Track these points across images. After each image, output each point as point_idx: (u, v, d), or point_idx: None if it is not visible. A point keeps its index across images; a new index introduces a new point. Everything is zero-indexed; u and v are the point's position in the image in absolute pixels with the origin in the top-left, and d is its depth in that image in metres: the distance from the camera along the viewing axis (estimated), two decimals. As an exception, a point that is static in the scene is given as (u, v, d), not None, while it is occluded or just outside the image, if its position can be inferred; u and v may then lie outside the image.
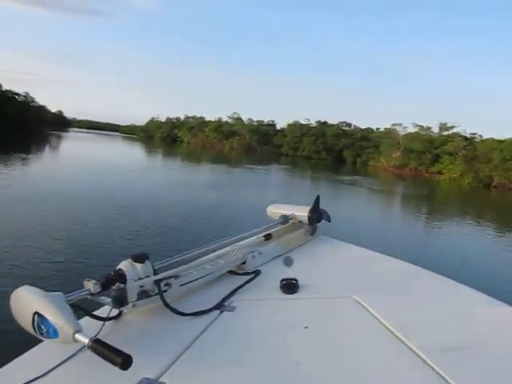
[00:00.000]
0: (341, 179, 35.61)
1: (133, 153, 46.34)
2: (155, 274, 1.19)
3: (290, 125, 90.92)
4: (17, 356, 0.96)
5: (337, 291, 1.47)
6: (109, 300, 1.07)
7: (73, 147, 45.96)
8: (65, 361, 0.92)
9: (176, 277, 1.28)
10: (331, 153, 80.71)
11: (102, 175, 18.26)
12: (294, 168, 48.51)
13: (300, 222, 2.10)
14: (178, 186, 17.86)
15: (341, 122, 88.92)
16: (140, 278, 1.14)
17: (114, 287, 1.06)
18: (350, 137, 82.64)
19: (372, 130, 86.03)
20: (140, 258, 1.16)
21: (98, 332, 0.97)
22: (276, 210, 2.17)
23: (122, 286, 1.07)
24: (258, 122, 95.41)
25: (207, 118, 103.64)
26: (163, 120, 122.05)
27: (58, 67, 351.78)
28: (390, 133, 71.56)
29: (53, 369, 0.90)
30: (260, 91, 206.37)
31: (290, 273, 1.50)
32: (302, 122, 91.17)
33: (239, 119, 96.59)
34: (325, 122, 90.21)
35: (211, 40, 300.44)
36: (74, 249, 6.84)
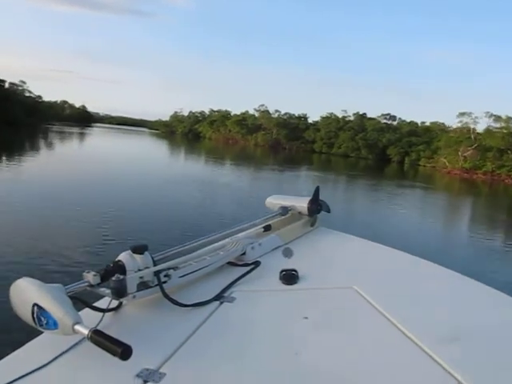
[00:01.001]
0: (400, 186, 27.10)
1: (135, 150, 38.78)
2: (155, 266, 1.19)
3: (323, 117, 78.57)
4: (17, 348, 0.97)
5: (337, 282, 1.46)
6: (108, 291, 1.08)
7: (64, 144, 39.89)
8: (65, 352, 0.93)
9: (175, 268, 1.28)
10: (373, 150, 67.87)
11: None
12: (329, 169, 39.96)
13: (299, 213, 2.08)
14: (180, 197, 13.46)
15: (383, 115, 75.62)
16: (139, 270, 1.15)
17: (113, 278, 1.06)
18: (396, 131, 69.38)
19: (416, 124, 72.35)
20: (139, 250, 1.16)
21: (98, 323, 0.97)
22: (275, 202, 2.14)
23: (122, 277, 1.07)
24: (286, 114, 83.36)
25: (233, 113, 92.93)
26: (186, 114, 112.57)
27: (98, 65, 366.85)
28: (444, 127, 57.43)
29: (53, 360, 0.90)
30: (293, 87, 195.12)
31: (289, 264, 1.50)
32: (338, 114, 78.56)
33: (266, 112, 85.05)
34: (364, 115, 77.19)
35: (243, 36, 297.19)
36: (77, 241, 6.79)
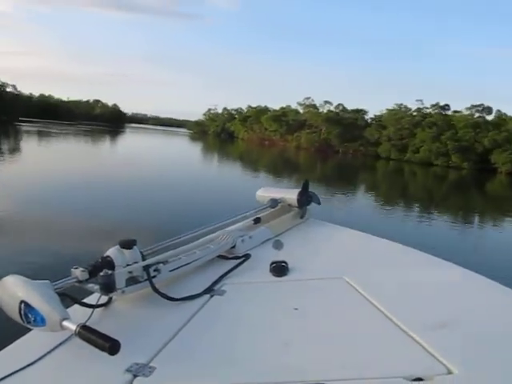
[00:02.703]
0: None
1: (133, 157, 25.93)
2: (144, 260, 1.19)
3: (390, 110, 57.35)
4: (5, 346, 0.96)
5: (326, 273, 1.47)
6: (97, 287, 1.07)
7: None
8: (54, 349, 0.93)
9: (165, 262, 1.28)
10: (469, 156, 46.10)
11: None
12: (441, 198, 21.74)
13: (289, 205, 2.06)
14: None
15: (474, 106, 53.13)
16: (128, 265, 1.14)
17: (101, 274, 1.06)
18: (499, 129, 47.05)
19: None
20: (128, 244, 1.16)
21: (88, 319, 0.98)
22: (265, 194, 2.12)
23: (110, 272, 1.07)
24: (340, 106, 62.84)
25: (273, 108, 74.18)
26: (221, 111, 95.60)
27: (147, 68, 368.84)
28: None
29: (42, 357, 0.90)
30: (342, 80, 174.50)
31: (279, 256, 1.50)
32: (410, 105, 57.07)
33: (312, 106, 65.32)
34: (446, 107, 55.17)
35: (286, 35, 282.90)
36: (65, 236, 6.53)
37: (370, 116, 61.58)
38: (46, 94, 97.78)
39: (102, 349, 0.82)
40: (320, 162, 42.95)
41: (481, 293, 1.36)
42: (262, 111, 73.82)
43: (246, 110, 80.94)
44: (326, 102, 63.49)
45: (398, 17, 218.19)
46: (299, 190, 2.06)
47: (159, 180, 14.70)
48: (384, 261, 1.65)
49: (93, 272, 1.07)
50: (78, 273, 1.06)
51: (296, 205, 2.04)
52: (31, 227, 7.01)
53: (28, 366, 0.87)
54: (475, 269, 1.50)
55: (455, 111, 54.92)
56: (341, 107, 62.37)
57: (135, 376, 0.84)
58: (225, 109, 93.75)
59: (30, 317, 0.90)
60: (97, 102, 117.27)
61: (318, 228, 2.03)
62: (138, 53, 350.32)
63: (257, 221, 1.85)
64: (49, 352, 0.91)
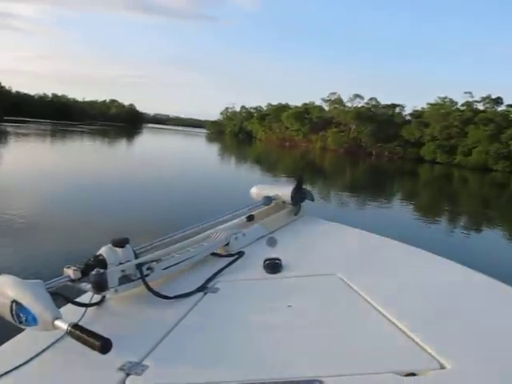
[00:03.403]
0: None
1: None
2: (136, 259, 1.19)
3: (433, 105, 48.62)
4: None
5: (320, 269, 1.45)
6: (89, 286, 1.06)
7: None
8: (46, 348, 0.92)
9: (158, 260, 1.27)
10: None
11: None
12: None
13: (283, 202, 2.05)
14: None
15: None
16: (121, 263, 1.14)
17: (93, 273, 1.05)
18: None
19: None
20: (120, 243, 1.15)
21: (80, 318, 0.97)
22: (259, 191, 2.10)
23: (102, 271, 1.06)
24: (372, 101, 54.44)
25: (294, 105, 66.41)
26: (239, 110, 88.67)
27: (169, 70, 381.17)
28: None
29: (34, 357, 0.89)
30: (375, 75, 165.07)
31: (273, 253, 1.49)
32: (457, 99, 48.16)
33: (338, 102, 57.21)
34: (499, 100, 46.12)
35: (305, 34, 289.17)
36: (61, 235, 6.30)
37: (407, 111, 53.00)
38: (59, 94, 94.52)
39: (93, 347, 0.82)
40: (350, 165, 36.03)
41: (475, 288, 1.35)
42: (281, 108, 66.22)
43: (265, 109, 73.48)
44: (357, 96, 55.34)
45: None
46: (293, 186, 2.03)
47: (166, 186, 12.53)
48: (378, 257, 1.63)
49: (85, 271, 1.06)
50: (71, 272, 1.05)
51: (290, 202, 2.02)
52: (25, 226, 6.66)
53: (20, 365, 0.86)
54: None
55: (509, 105, 45.86)
56: (373, 102, 54.04)
57: (128, 374, 0.83)
58: (243, 107, 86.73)
59: (21, 316, 0.90)
60: (113, 101, 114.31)
61: (312, 225, 2.01)
62: (161, 55, 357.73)
63: (250, 218, 1.82)
64: (41, 352, 0.90)
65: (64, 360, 0.90)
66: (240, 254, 1.53)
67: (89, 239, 5.40)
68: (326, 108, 59.22)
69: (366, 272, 1.43)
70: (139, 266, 1.17)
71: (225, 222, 1.71)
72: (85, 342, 0.83)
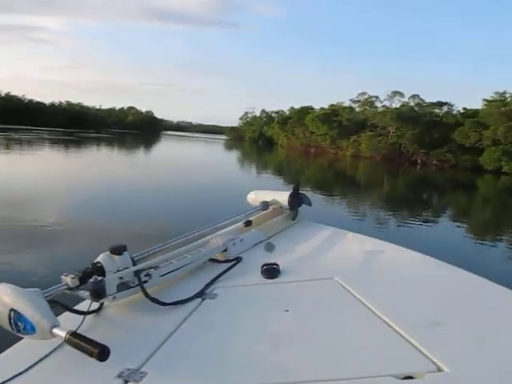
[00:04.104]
0: None
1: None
2: (134, 266, 1.20)
3: (490, 101, 39.86)
4: None
5: (318, 274, 1.46)
6: (87, 293, 1.07)
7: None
8: (45, 357, 0.92)
9: (156, 267, 1.27)
10: None
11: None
12: None
13: (281, 207, 2.06)
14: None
15: None
16: (119, 270, 1.15)
17: (91, 280, 1.06)
18: None
19: None
20: (118, 250, 1.16)
21: (79, 326, 0.97)
22: (256, 197, 2.11)
23: (100, 278, 1.07)
24: (414, 99, 45.89)
25: (319, 107, 58.75)
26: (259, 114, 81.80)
27: (192, 77, 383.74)
28: None
29: (33, 365, 0.90)
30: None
31: (271, 258, 1.49)
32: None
33: (368, 103, 49.40)
34: None
35: (326, 39, 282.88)
36: (56, 243, 6.16)
37: (459, 108, 44.36)
38: (75, 102, 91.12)
39: (91, 355, 0.82)
40: (390, 176, 28.93)
41: (472, 291, 1.34)
42: (305, 111, 58.59)
43: (287, 113, 66.03)
44: (396, 94, 46.88)
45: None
46: (290, 191, 2.03)
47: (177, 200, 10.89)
48: (375, 261, 1.64)
49: (83, 279, 1.07)
50: (69, 280, 1.06)
51: (287, 207, 2.02)
52: (24, 233, 6.55)
53: (19, 374, 0.87)
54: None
55: None
56: (416, 99, 45.53)
57: (126, 381, 0.84)
58: (263, 111, 79.56)
59: (19, 325, 0.90)
60: (130, 108, 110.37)
61: (309, 229, 2.01)
62: (183, 62, 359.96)
63: (248, 223, 1.81)
64: (40, 360, 0.91)
65: (63, 368, 0.90)
66: (238, 259, 1.54)
67: (89, 246, 5.32)
68: (358, 109, 51.27)
69: (364, 276, 1.43)
70: (137, 273, 1.17)
71: (222, 228, 1.70)
72: (83, 350, 0.83)
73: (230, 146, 59.27)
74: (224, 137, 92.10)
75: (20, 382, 0.85)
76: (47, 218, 7.47)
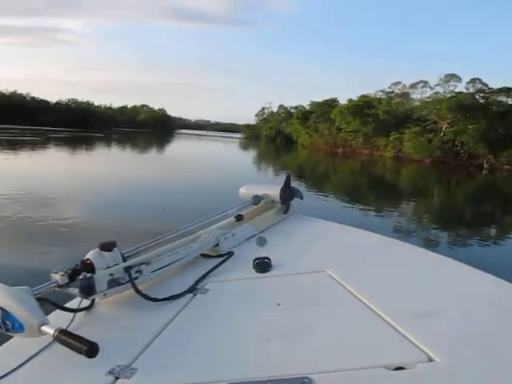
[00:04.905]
0: None
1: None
2: (125, 262, 1.19)
3: None
4: None
5: (310, 267, 1.46)
6: (77, 291, 1.06)
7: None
8: (35, 355, 0.92)
9: (147, 263, 1.27)
10: None
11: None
12: None
13: (272, 201, 2.05)
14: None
15: None
16: (109, 267, 1.14)
17: (80, 277, 1.05)
18: None
19: None
20: (107, 247, 1.15)
21: (69, 323, 0.97)
22: (248, 191, 2.10)
23: (89, 275, 1.06)
24: (474, 86, 35.77)
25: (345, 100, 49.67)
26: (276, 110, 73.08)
27: (209, 76, 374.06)
28: None
29: (23, 364, 0.89)
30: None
31: (263, 252, 1.50)
32: None
33: (403, 95, 40.42)
34: None
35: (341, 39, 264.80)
36: (43, 240, 6.05)
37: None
38: (83, 100, 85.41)
39: (80, 352, 0.82)
40: (447, 184, 21.44)
41: (464, 282, 1.35)
42: (329, 103, 49.52)
43: (308, 108, 56.91)
44: (451, 77, 36.68)
45: None
46: (282, 185, 2.01)
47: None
48: (367, 253, 1.63)
49: (73, 276, 1.06)
50: (58, 277, 1.05)
51: (279, 201, 2.02)
52: (15, 230, 6.54)
53: (9, 373, 0.86)
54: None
55: None
56: (478, 85, 35.46)
57: (117, 378, 0.84)
58: (281, 106, 70.71)
59: (7, 323, 0.89)
60: (142, 106, 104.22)
61: (301, 223, 2.00)
62: (200, 61, 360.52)
63: (240, 218, 1.81)
64: (30, 358, 0.90)
65: (53, 366, 0.90)
66: (230, 254, 1.53)
67: (82, 243, 5.24)
68: (396, 100, 41.81)
69: (355, 268, 1.43)
70: (128, 269, 1.17)
71: (214, 223, 1.69)
72: (71, 347, 0.83)
73: (245, 146, 53.42)
74: (240, 135, 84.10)
75: (10, 380, 0.85)
76: (37, 215, 7.32)
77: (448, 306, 1.14)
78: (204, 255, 1.51)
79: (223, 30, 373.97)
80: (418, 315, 1.06)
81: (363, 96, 44.78)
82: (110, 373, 0.84)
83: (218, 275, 1.37)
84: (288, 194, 2.02)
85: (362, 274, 1.37)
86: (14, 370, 0.86)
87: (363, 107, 41.24)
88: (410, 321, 1.02)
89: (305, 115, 53.19)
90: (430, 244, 7.95)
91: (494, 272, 1.34)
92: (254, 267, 1.39)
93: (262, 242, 1.60)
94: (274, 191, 2.01)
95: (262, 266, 1.40)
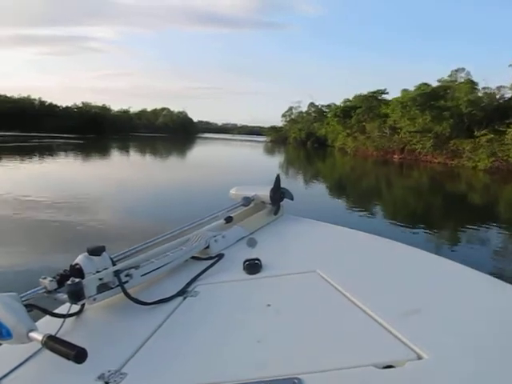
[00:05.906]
0: None
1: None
2: (114, 266, 1.19)
3: None
4: None
5: (300, 267, 1.46)
6: (65, 296, 1.06)
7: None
8: (24, 361, 0.92)
9: (137, 267, 1.27)
10: None
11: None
12: None
13: (263, 202, 2.06)
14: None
15: None
16: (98, 271, 1.14)
17: (68, 282, 1.04)
18: None
19: None
20: (96, 251, 1.15)
21: (59, 329, 0.97)
22: (238, 192, 2.11)
23: (77, 280, 1.05)
24: None
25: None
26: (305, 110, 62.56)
27: (236, 80, 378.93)
28: None
29: (12, 371, 0.89)
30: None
31: (253, 254, 1.49)
32: None
33: (470, 83, 29.42)
34: None
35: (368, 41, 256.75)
36: (33, 246, 6.03)
37: None
38: (99, 105, 78.60)
39: (68, 357, 0.81)
40: None
41: (452, 279, 1.35)
42: (377, 95, 38.16)
43: (342, 106, 45.52)
44: None
45: None
46: (271, 186, 2.02)
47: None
48: (357, 252, 1.63)
49: (61, 281, 1.06)
50: (47, 283, 1.05)
51: (269, 202, 2.02)
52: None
53: None
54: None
55: None
56: None
57: (107, 383, 0.84)
58: (311, 104, 59.76)
59: None
60: (162, 109, 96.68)
61: (292, 223, 2.01)
62: (226, 64, 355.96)
63: (230, 220, 1.80)
64: (19, 365, 0.90)
65: (42, 372, 0.90)
66: (220, 256, 1.54)
67: (73, 247, 4.94)
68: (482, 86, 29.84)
69: (345, 268, 1.43)
70: (117, 273, 1.16)
71: (204, 225, 1.69)
72: (59, 353, 0.82)
73: (270, 150, 46.53)
74: (265, 138, 73.71)
75: None
76: (24, 220, 7.27)
77: (436, 303, 1.14)
78: (194, 258, 1.50)
79: (249, 33, 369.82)
80: (407, 313, 1.06)
81: (424, 84, 32.91)
82: (100, 378, 0.84)
83: (208, 278, 1.37)
84: (278, 194, 2.01)
85: (351, 273, 1.37)
86: (3, 377, 0.86)
87: (433, 96, 29.30)
88: (398, 319, 1.02)
89: (345, 113, 41.75)
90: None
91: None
92: (244, 269, 1.39)
93: (252, 243, 1.56)
94: (264, 192, 2.00)
95: (252, 267, 1.39)
